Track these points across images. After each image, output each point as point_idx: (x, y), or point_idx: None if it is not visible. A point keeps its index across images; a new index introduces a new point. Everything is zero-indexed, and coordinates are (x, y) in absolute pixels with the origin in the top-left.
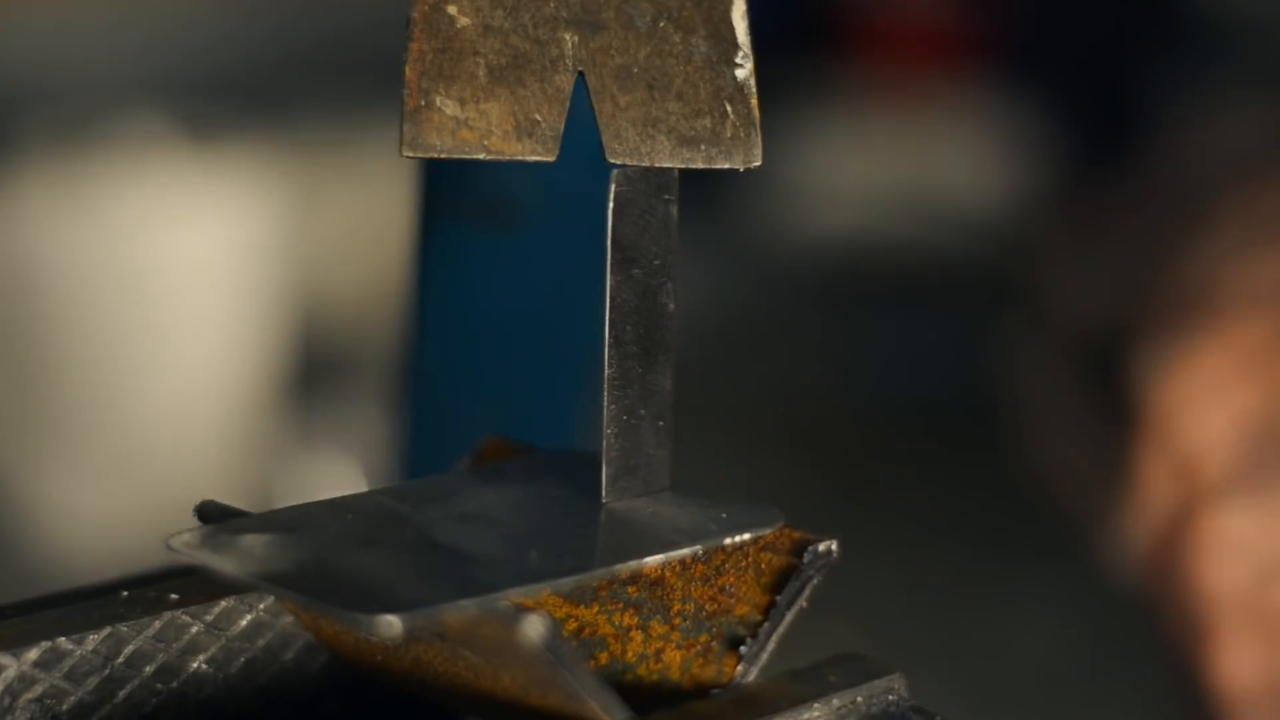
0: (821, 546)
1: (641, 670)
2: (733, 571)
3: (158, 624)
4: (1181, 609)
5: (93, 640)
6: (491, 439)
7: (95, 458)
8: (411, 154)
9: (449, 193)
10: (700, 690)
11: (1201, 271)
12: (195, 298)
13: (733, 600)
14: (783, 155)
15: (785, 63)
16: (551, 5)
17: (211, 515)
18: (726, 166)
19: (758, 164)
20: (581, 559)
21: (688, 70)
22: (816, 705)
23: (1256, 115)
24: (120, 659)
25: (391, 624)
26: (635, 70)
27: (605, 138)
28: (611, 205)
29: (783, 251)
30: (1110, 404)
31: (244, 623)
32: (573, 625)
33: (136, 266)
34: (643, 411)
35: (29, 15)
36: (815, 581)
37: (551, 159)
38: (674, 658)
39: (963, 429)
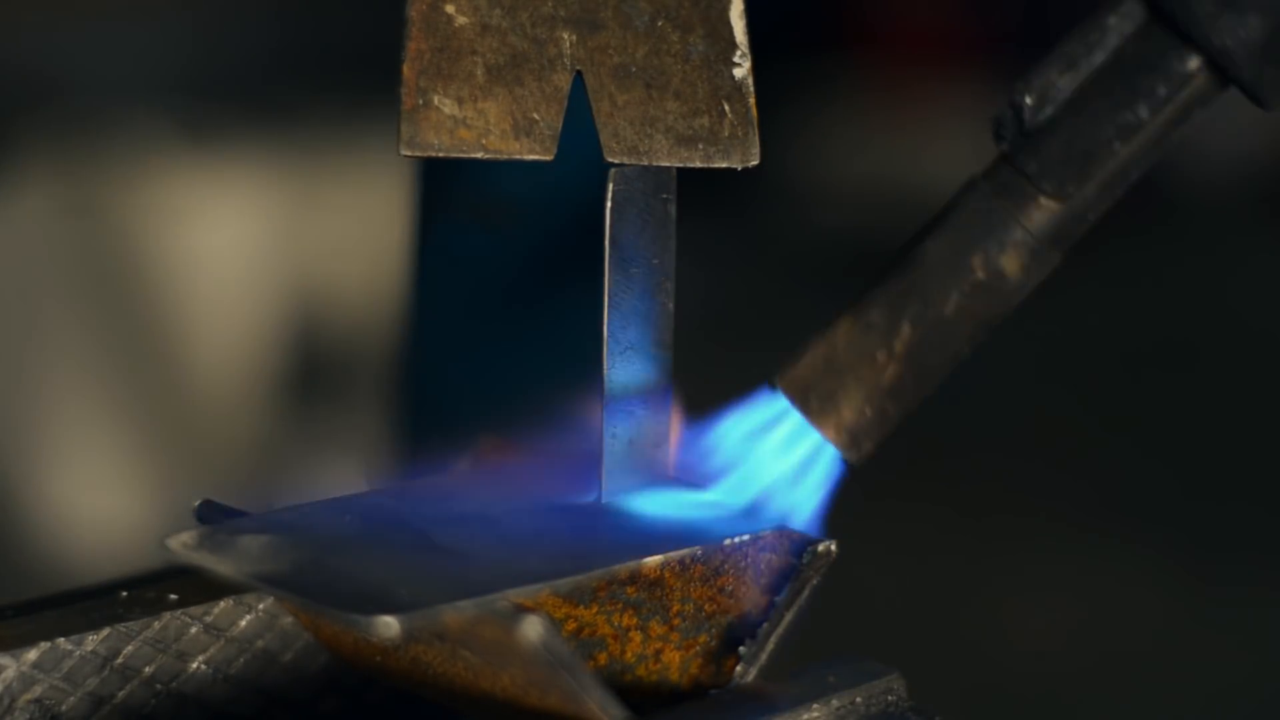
0: (820, 547)
1: (640, 670)
2: (732, 572)
3: (157, 625)
4: None
5: (92, 641)
6: (490, 439)
7: (96, 458)
8: (409, 153)
9: (447, 192)
10: (699, 690)
11: None
12: (196, 298)
13: (732, 600)
14: (781, 154)
15: (784, 62)
16: (549, 4)
17: (210, 516)
18: (724, 165)
19: (756, 163)
20: (580, 559)
21: (686, 69)
22: (816, 705)
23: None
24: (119, 659)
25: (389, 624)
26: (633, 69)
27: (603, 136)
28: (609, 204)
29: (781, 250)
30: None
31: (243, 623)
32: (572, 626)
33: (137, 266)
34: (642, 411)
35: (29, 15)
36: (814, 582)
37: (549, 158)
38: (673, 658)
39: (962, 427)
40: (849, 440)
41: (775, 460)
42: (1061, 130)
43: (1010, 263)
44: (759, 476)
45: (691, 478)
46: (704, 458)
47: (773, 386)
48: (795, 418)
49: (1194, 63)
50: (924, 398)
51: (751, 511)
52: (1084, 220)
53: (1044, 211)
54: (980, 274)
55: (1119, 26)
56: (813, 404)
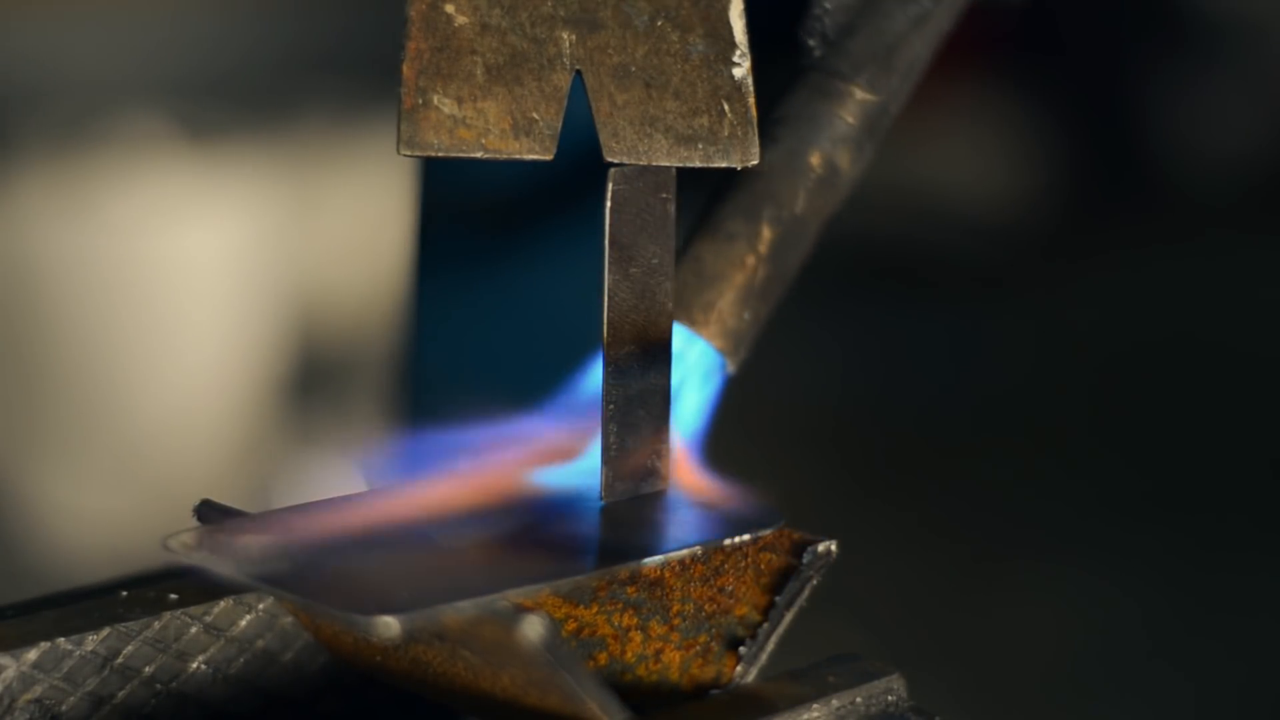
0: (821, 547)
1: (641, 670)
2: (732, 572)
3: (157, 624)
4: None
5: (92, 641)
6: (489, 440)
7: (95, 458)
8: (409, 153)
9: (447, 192)
10: (699, 691)
11: None
12: (195, 298)
13: (732, 601)
14: None
15: (783, 62)
16: (549, 4)
17: (210, 516)
18: (724, 165)
19: (755, 162)
20: (581, 559)
21: (685, 69)
22: (816, 705)
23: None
24: (120, 659)
25: (389, 625)
26: (633, 69)
27: (603, 136)
28: (609, 204)
29: None
30: None
31: (243, 623)
32: (572, 626)
33: (136, 266)
34: (642, 411)
35: (29, 15)
36: (814, 582)
37: (549, 158)
38: (673, 658)
39: (962, 429)
40: (732, 344)
41: None
42: (860, 32)
43: (841, 158)
44: None
45: (692, 476)
46: (590, 384)
47: None
48: (678, 332)
49: None
50: (784, 296)
51: (753, 511)
52: (890, 112)
53: (859, 105)
54: (818, 172)
55: None
56: (696, 315)
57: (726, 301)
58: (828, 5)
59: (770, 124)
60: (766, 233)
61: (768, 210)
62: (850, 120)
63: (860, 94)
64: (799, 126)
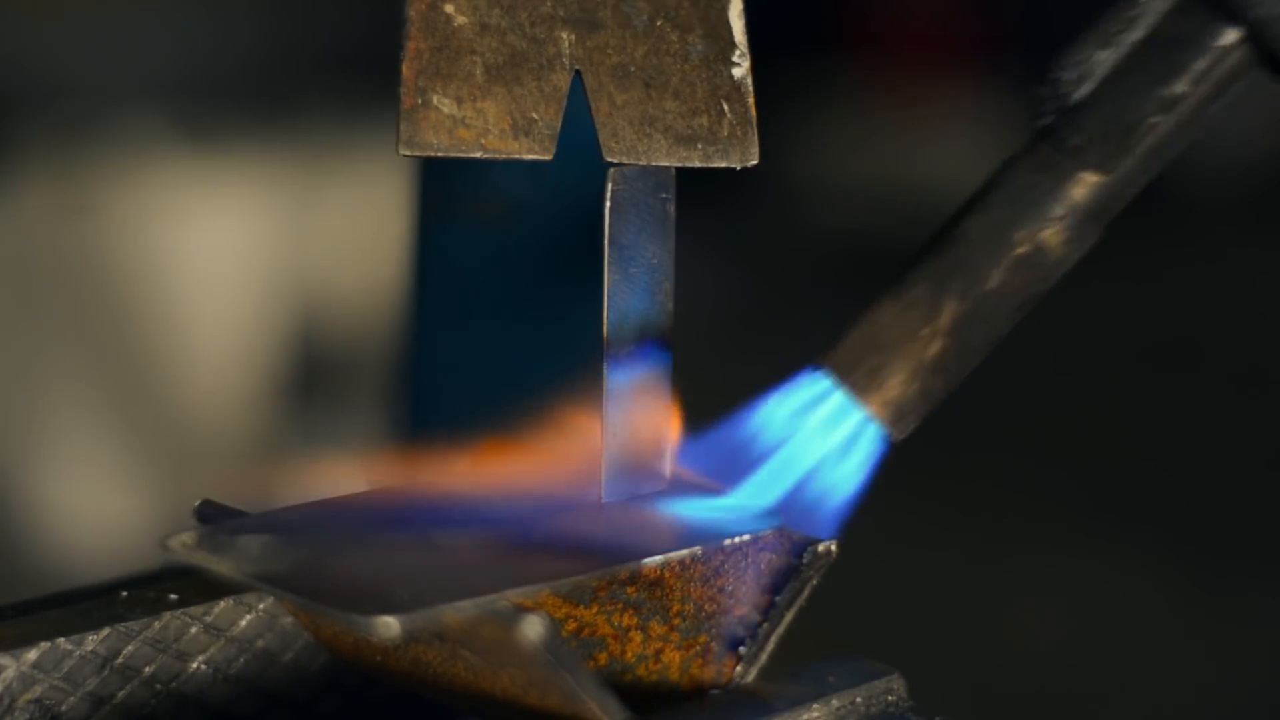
0: (820, 547)
1: (641, 670)
2: (732, 572)
3: (157, 625)
4: None
5: (92, 641)
6: (490, 439)
7: (96, 458)
8: (409, 153)
9: (447, 192)
10: (699, 690)
11: None
12: (195, 298)
13: (732, 601)
14: (780, 154)
15: (783, 62)
16: (549, 4)
17: (210, 516)
18: (724, 165)
19: (755, 162)
20: (580, 559)
21: (685, 69)
22: (816, 705)
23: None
24: (120, 659)
25: (389, 625)
26: (632, 69)
27: (602, 136)
28: (609, 204)
29: (780, 250)
30: None
31: (243, 623)
32: (572, 626)
33: (136, 266)
34: (642, 411)
35: (29, 15)
36: (814, 582)
37: (548, 158)
38: (673, 658)
39: (963, 428)
40: (894, 416)
41: (819, 439)
42: (1101, 105)
43: (1052, 238)
44: (803, 456)
45: (692, 476)
46: (749, 439)
47: (817, 366)
48: (839, 396)
49: (1231, 36)
50: (967, 373)
51: (758, 511)
52: (1123, 196)
53: (1085, 187)
54: (1023, 249)
55: (1156, 3)
56: (858, 381)
57: (894, 371)
58: (1070, 71)
59: (981, 191)
60: (951, 305)
61: (957, 282)
62: (1073, 200)
63: (1089, 174)
64: (1013, 199)
